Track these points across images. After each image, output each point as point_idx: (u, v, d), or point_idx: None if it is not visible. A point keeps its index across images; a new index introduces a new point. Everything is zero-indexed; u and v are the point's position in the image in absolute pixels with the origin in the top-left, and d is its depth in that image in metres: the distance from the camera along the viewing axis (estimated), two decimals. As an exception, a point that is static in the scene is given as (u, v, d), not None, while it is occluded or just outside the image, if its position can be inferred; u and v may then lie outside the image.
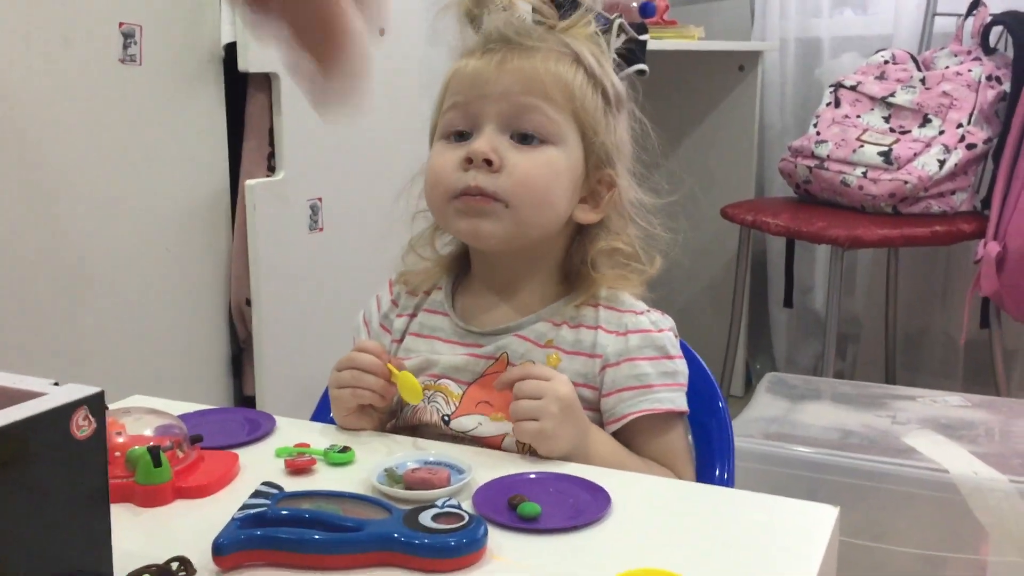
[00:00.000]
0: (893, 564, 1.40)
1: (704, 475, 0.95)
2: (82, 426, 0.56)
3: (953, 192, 2.18)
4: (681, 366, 0.93)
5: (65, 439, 0.56)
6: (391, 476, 0.79)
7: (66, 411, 0.56)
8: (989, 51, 2.25)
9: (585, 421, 0.88)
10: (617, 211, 0.95)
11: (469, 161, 0.89)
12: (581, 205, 0.94)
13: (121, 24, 1.46)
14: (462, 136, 0.92)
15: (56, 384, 0.59)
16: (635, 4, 2.39)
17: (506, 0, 0.93)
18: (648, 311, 0.94)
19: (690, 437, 0.95)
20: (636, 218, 0.96)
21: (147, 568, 0.63)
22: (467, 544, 0.66)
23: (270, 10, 0.62)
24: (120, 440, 0.80)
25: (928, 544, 1.39)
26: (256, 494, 0.71)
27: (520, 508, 0.73)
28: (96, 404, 0.58)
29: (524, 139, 0.90)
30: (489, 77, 0.90)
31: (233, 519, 0.67)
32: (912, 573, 1.39)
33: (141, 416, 0.84)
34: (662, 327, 0.93)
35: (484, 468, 0.80)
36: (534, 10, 0.95)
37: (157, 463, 0.76)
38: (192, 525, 0.72)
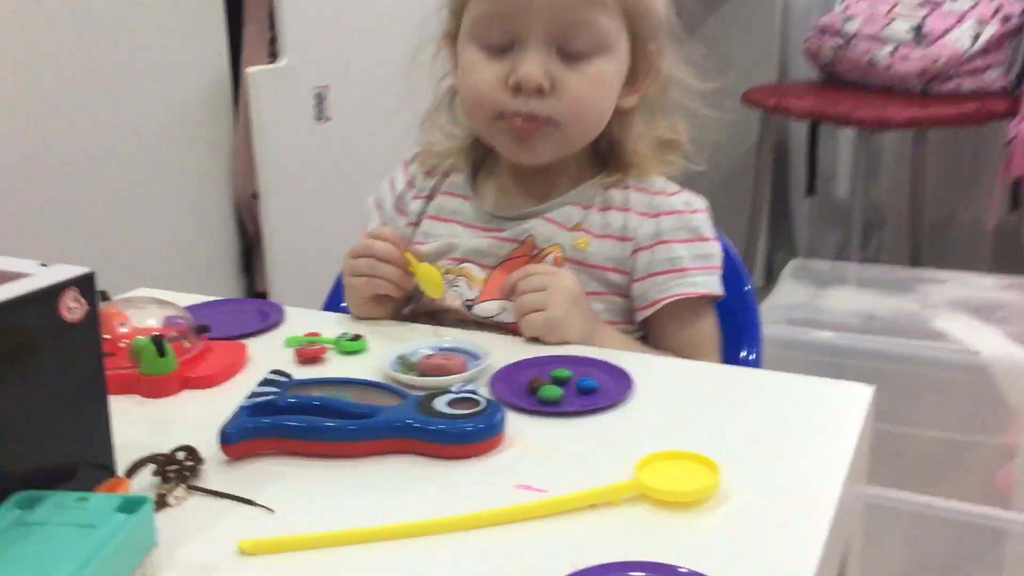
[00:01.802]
0: (921, 447, 1.38)
1: (730, 358, 0.92)
2: (72, 308, 0.53)
3: (986, 69, 2.10)
4: (716, 248, 0.89)
5: (55, 322, 0.53)
6: (404, 363, 0.76)
7: (54, 292, 0.53)
8: (1028, -83, 2.14)
9: (592, 315, 0.86)
10: (659, 88, 0.90)
11: (518, 86, 0.84)
12: (623, 89, 0.89)
13: (109, -99, 1.40)
14: (502, 41, 0.85)
15: (44, 265, 0.55)
16: None
17: None
18: (680, 191, 0.90)
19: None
20: (680, 99, 0.91)
21: (152, 458, 0.60)
22: (484, 429, 0.64)
23: None
24: (124, 331, 0.77)
25: (956, 427, 1.37)
26: (265, 382, 0.68)
27: (540, 392, 0.70)
28: (87, 285, 0.54)
29: (574, 55, 0.84)
30: None
31: (241, 407, 0.65)
32: (940, 456, 1.38)
33: (145, 306, 0.81)
34: (696, 207, 0.89)
35: (502, 353, 0.77)
36: None
37: (161, 353, 0.74)
38: (199, 415, 0.69)
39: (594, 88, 0.85)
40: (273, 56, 1.59)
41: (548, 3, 0.82)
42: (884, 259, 2.72)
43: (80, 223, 1.44)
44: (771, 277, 2.90)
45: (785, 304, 1.50)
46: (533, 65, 0.83)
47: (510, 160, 0.92)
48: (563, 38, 0.83)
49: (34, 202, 1.38)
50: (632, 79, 0.89)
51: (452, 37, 0.91)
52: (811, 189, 2.52)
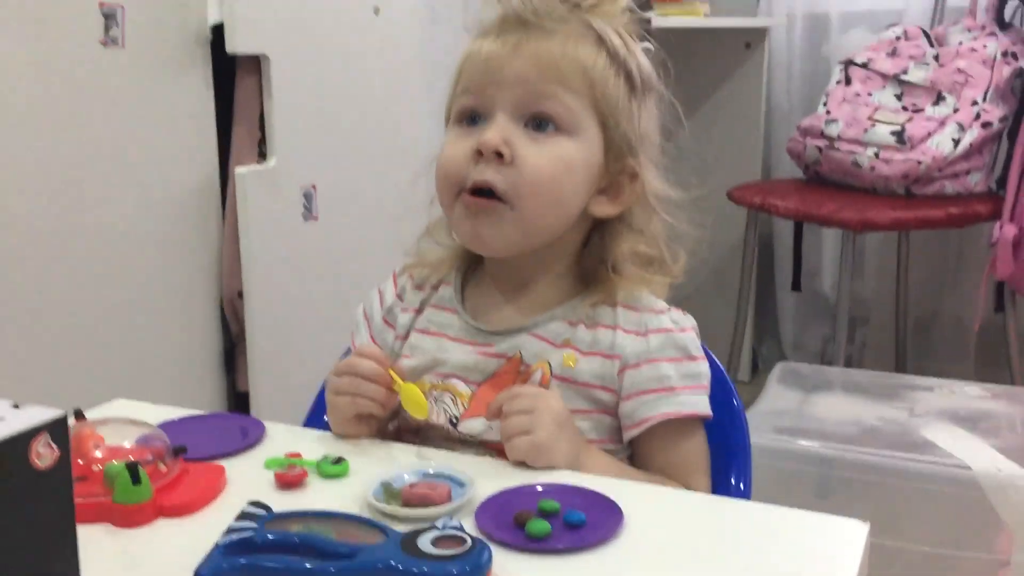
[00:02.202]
0: (912, 562, 1.36)
1: (718, 482, 0.90)
2: (42, 455, 0.51)
3: (968, 172, 2.13)
4: (704, 368, 0.89)
5: (24, 470, 0.51)
6: (388, 491, 0.74)
7: (24, 439, 0.51)
8: (1004, 26, 2.21)
9: (579, 437, 0.84)
10: (640, 204, 0.90)
11: (479, 153, 0.85)
12: (598, 197, 0.89)
13: (102, 4, 1.42)
14: (474, 121, 0.87)
15: (16, 406, 0.53)
16: (639, -20, 2.33)
17: None
18: (669, 310, 0.90)
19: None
20: (661, 212, 0.91)
21: (121, 602, 0.58)
22: (470, 572, 0.61)
23: None
24: (98, 454, 0.75)
25: (947, 542, 1.36)
26: (242, 516, 0.66)
27: (528, 526, 0.68)
28: (59, 429, 0.52)
29: (538, 126, 0.85)
30: (503, 61, 0.85)
31: (217, 546, 0.62)
32: (931, 571, 1.36)
33: (120, 427, 0.79)
34: (684, 326, 0.89)
35: (488, 479, 0.75)
36: None
37: (136, 480, 0.71)
38: (174, 547, 0.67)
39: (554, 164, 0.85)
40: (262, 156, 1.61)
41: (517, 74, 0.85)
42: (869, 355, 2.73)
43: (64, 317, 1.43)
44: (756, 370, 2.90)
45: (772, 411, 1.49)
46: (495, 131, 0.84)
47: (495, 272, 0.92)
48: (530, 110, 0.85)
49: (18, 296, 1.37)
50: (614, 192, 0.89)
51: None
52: (796, 285, 2.54)
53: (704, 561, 0.66)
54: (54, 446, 0.52)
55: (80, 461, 0.73)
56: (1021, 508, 1.26)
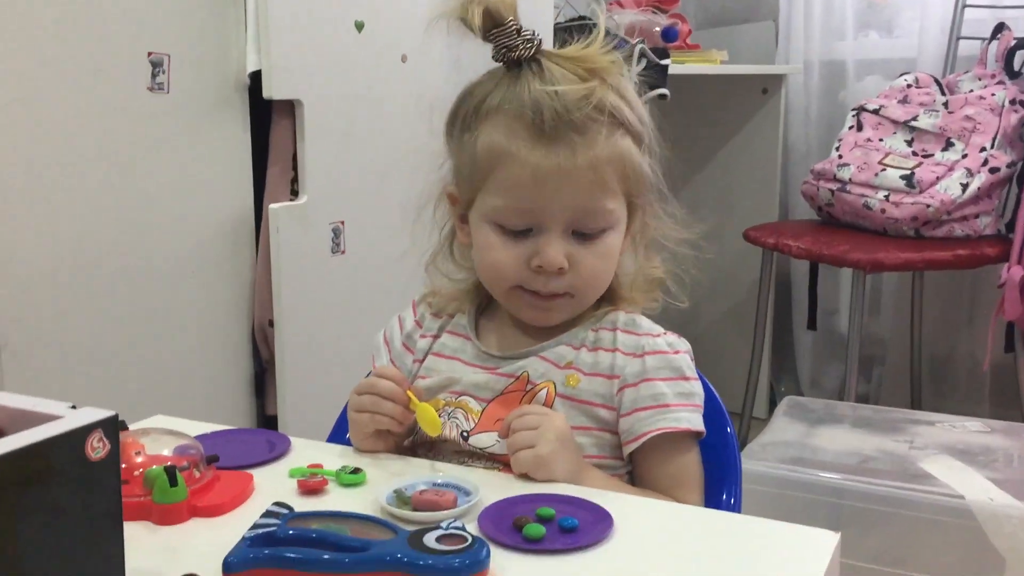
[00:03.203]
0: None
1: (711, 500, 0.96)
2: (96, 448, 0.59)
3: (977, 216, 2.17)
4: (697, 388, 0.95)
5: (80, 460, 0.58)
6: (399, 497, 0.80)
7: (81, 433, 0.58)
8: (1013, 75, 2.25)
9: (580, 458, 0.90)
10: (644, 233, 0.98)
11: (540, 267, 0.91)
12: None
13: (150, 53, 1.50)
14: (520, 229, 0.92)
15: (73, 407, 0.61)
16: (658, 29, 2.41)
17: (515, 21, 0.90)
18: (665, 334, 0.96)
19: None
20: (663, 243, 0.99)
21: (160, 585, 0.65)
22: (470, 565, 0.67)
23: None
24: (139, 460, 0.82)
25: (946, 571, 1.38)
26: (267, 514, 0.72)
27: (525, 530, 0.74)
28: (110, 427, 0.60)
29: (588, 234, 0.92)
30: (558, 182, 0.89)
31: (243, 538, 0.69)
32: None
33: (160, 437, 0.86)
34: (678, 349, 0.95)
35: (492, 489, 0.81)
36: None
37: (173, 482, 0.79)
38: (206, 543, 0.74)
39: (606, 261, 0.94)
40: (294, 194, 1.68)
41: (568, 197, 0.90)
42: (885, 394, 2.74)
43: (107, 343, 1.49)
44: (774, 408, 2.92)
45: (776, 442, 1.53)
46: (556, 251, 0.91)
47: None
48: (579, 224, 0.92)
49: (64, 326, 1.44)
50: (627, 231, 0.97)
51: (455, 198, 0.99)
52: (812, 324, 2.57)
53: (684, 562, 0.72)
54: (106, 441, 0.59)
55: (124, 466, 0.79)
56: (1014, 538, 1.29)
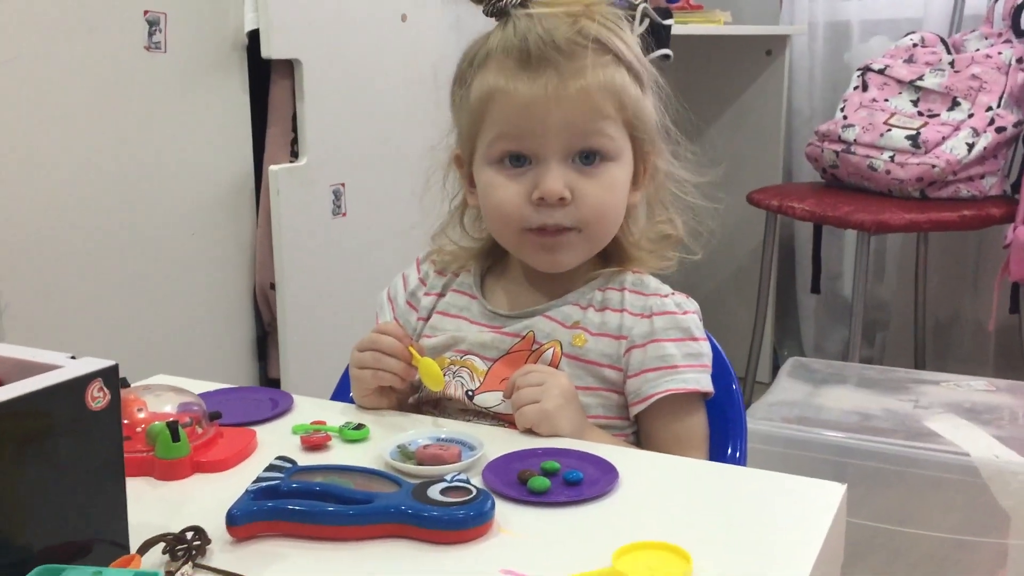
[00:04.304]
0: (916, 548, 1.39)
1: (717, 455, 0.95)
2: (97, 397, 0.58)
3: (982, 176, 2.15)
4: (705, 348, 0.94)
5: (81, 410, 0.58)
6: (403, 452, 0.80)
7: (81, 383, 0.58)
8: (1020, 33, 2.22)
9: (584, 417, 0.90)
10: (655, 186, 0.97)
11: (541, 199, 0.90)
12: (631, 192, 0.96)
13: (146, 12, 1.49)
14: (519, 161, 0.91)
15: (73, 357, 0.61)
16: (660, -11, 2.38)
17: None
18: (673, 294, 0.95)
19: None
20: (675, 191, 0.97)
21: (162, 537, 0.64)
22: (474, 517, 0.67)
23: None
24: (141, 416, 0.82)
25: (952, 528, 1.37)
26: (270, 468, 0.72)
27: (529, 483, 0.74)
28: (110, 376, 0.60)
29: (587, 158, 0.91)
30: (545, 107, 0.88)
31: (247, 491, 0.69)
32: (935, 557, 1.39)
33: (162, 393, 0.85)
34: (687, 309, 0.94)
35: (496, 444, 0.81)
36: None
37: (176, 438, 0.78)
38: (209, 497, 0.74)
39: (609, 193, 0.92)
40: (294, 155, 1.67)
41: (562, 122, 0.89)
42: (889, 357, 2.74)
43: (107, 306, 1.50)
44: (777, 372, 2.93)
45: (781, 402, 1.53)
46: (555, 179, 0.89)
47: (523, 265, 0.97)
48: (577, 151, 0.90)
49: (64, 288, 1.44)
50: (635, 180, 0.95)
51: (462, 160, 0.98)
52: (816, 288, 2.56)
53: (689, 516, 0.72)
54: (106, 391, 0.59)
55: (126, 422, 0.79)
56: (1019, 495, 1.29)
